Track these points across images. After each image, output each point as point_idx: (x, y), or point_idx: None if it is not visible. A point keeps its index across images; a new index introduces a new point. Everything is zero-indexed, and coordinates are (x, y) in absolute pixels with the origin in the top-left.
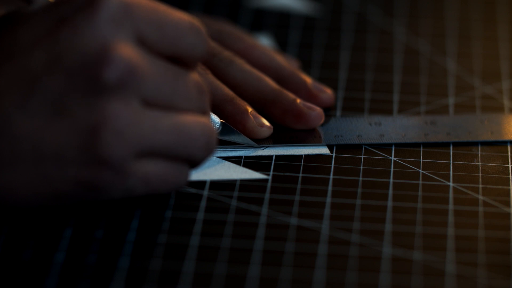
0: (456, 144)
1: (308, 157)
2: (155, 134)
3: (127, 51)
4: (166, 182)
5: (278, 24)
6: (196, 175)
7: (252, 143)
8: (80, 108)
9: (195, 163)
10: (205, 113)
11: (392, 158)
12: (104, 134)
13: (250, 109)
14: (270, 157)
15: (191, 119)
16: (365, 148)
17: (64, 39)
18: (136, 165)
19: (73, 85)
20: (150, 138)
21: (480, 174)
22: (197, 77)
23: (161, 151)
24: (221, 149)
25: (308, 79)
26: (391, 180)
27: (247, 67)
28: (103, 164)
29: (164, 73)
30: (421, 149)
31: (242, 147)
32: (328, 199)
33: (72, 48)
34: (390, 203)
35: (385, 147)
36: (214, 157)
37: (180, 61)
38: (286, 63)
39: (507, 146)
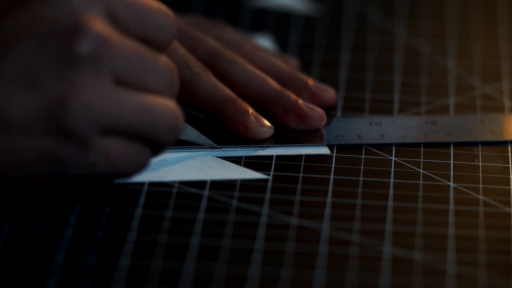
0: (457, 144)
1: (309, 157)
2: (122, 111)
3: (100, 26)
4: (127, 162)
5: (278, 24)
6: (197, 175)
7: (213, 144)
8: (49, 77)
9: (158, 146)
10: (173, 96)
11: (393, 158)
12: (71, 105)
13: (251, 110)
14: (270, 157)
15: (159, 101)
16: (365, 148)
17: (38, 8)
18: (100, 140)
19: (44, 53)
20: (117, 114)
21: (480, 174)
22: (167, 59)
23: (126, 130)
24: (224, 149)
25: (309, 80)
26: (392, 180)
27: (250, 67)
28: (68, 135)
29: (135, 50)
30: (422, 149)
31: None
32: (329, 199)
33: (46, 16)
34: (390, 203)
35: (385, 147)
36: (215, 157)
37: (149, 44)
38: (286, 66)
39: (507, 146)
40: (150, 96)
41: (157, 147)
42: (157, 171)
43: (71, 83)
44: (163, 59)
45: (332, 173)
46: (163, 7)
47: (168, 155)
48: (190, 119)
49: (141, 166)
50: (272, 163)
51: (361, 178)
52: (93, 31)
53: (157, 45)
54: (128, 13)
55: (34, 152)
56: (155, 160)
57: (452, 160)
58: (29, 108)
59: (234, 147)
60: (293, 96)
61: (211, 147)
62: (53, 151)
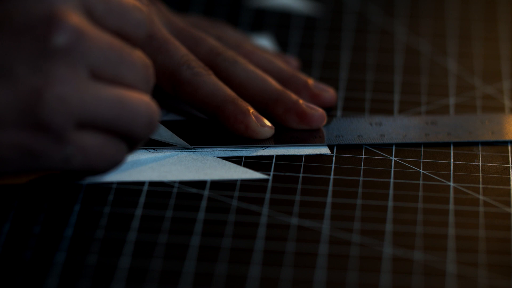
0: (457, 144)
1: (309, 157)
2: (98, 105)
3: (76, 19)
4: (103, 157)
5: (279, 24)
6: (197, 175)
7: (186, 144)
8: (25, 70)
9: (134, 141)
10: (149, 90)
11: (393, 158)
12: (47, 98)
13: (251, 110)
14: (270, 157)
15: (135, 96)
16: (365, 148)
17: (13, 1)
18: (76, 134)
19: (20, 46)
20: (93, 108)
21: (480, 174)
22: (143, 54)
23: (102, 124)
24: (224, 149)
25: (309, 80)
26: (392, 180)
27: (251, 67)
28: (43, 128)
29: (111, 44)
30: (422, 149)
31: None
32: (329, 199)
33: (21, 10)
34: (390, 203)
35: (385, 147)
36: (215, 157)
37: (124, 39)
38: (286, 66)
39: (507, 146)
40: (126, 90)
41: (132, 143)
42: (157, 171)
43: (47, 76)
44: (139, 54)
45: (332, 173)
46: (137, 3)
47: (168, 155)
48: (163, 120)
49: (116, 162)
50: (272, 163)
51: (361, 178)
52: (69, 24)
53: (132, 40)
54: (104, 7)
55: (9, 145)
56: (156, 160)
57: (452, 160)
58: (5, 101)
59: (235, 147)
60: (294, 96)
61: (184, 148)
62: (28, 144)
